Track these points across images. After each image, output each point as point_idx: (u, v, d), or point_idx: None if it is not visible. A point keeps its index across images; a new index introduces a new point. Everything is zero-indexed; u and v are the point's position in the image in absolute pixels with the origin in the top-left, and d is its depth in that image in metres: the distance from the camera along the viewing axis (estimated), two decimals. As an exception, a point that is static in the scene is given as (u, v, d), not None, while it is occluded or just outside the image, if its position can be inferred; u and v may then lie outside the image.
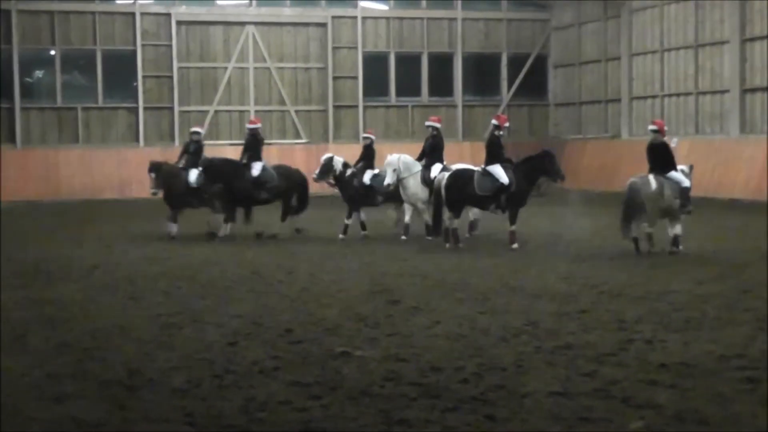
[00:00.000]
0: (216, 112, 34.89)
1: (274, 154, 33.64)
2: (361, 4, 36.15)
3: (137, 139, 34.00)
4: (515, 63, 37.72)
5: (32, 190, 31.45)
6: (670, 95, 32.57)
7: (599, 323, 10.58)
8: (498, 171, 17.54)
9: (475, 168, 17.97)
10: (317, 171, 20.03)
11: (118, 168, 33.00)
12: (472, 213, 19.21)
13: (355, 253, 17.06)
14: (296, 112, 35.60)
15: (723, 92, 30.28)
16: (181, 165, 20.48)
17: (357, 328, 10.49)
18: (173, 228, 19.80)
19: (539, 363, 8.77)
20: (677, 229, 16.25)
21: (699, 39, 31.16)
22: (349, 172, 19.94)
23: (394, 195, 19.47)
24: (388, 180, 18.73)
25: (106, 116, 33.97)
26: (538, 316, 10.99)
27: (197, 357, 9.12)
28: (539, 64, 38.11)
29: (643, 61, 33.82)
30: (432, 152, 19.19)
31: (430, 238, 18.51)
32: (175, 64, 34.39)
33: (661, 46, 32.77)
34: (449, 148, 35.24)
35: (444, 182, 17.54)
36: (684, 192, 16.27)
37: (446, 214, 17.71)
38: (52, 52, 33.58)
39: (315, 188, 21.56)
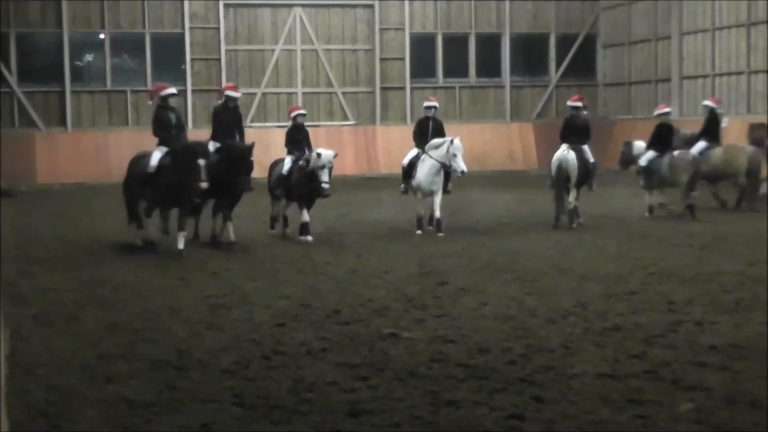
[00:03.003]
0: (264, 94, 34.97)
1: (322, 136, 33.74)
2: (408, -15, 35.99)
3: (186, 122, 34.12)
4: (564, 43, 37.36)
5: (83, 173, 31.71)
6: (721, 74, 32.11)
7: (648, 305, 10.51)
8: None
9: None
10: (327, 179, 16.03)
11: (167, 150, 33.10)
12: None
13: (402, 235, 17.04)
14: (343, 93, 35.56)
15: (776, 71, 29.83)
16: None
17: (405, 309, 10.51)
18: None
19: (588, 344, 8.73)
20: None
21: (751, 17, 30.67)
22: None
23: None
24: (464, 166, 16.75)
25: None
26: (587, 297, 10.94)
27: (246, 338, 9.19)
28: (588, 44, 37.70)
29: (693, 40, 33.34)
30: (435, 136, 17.54)
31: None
32: (223, 47, 34.48)
33: (713, 24, 32.29)
34: (499, 129, 35.51)
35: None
36: None
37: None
38: (102, 36, 33.78)
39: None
